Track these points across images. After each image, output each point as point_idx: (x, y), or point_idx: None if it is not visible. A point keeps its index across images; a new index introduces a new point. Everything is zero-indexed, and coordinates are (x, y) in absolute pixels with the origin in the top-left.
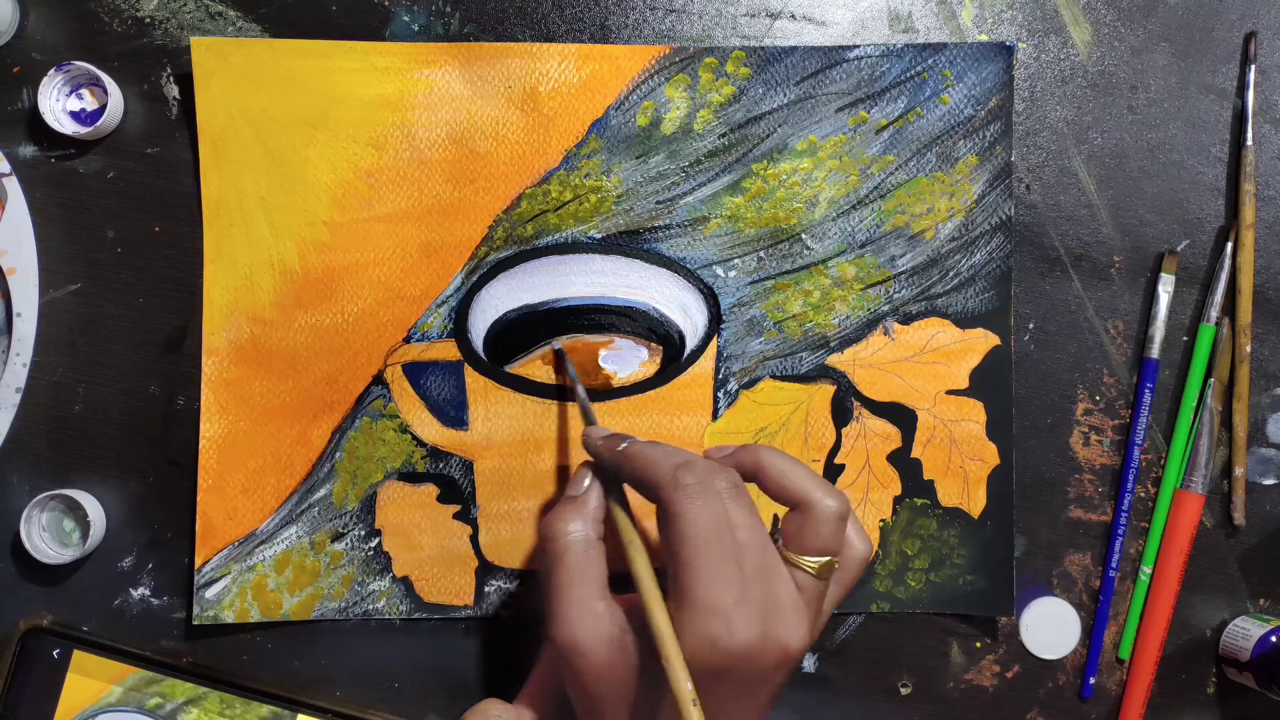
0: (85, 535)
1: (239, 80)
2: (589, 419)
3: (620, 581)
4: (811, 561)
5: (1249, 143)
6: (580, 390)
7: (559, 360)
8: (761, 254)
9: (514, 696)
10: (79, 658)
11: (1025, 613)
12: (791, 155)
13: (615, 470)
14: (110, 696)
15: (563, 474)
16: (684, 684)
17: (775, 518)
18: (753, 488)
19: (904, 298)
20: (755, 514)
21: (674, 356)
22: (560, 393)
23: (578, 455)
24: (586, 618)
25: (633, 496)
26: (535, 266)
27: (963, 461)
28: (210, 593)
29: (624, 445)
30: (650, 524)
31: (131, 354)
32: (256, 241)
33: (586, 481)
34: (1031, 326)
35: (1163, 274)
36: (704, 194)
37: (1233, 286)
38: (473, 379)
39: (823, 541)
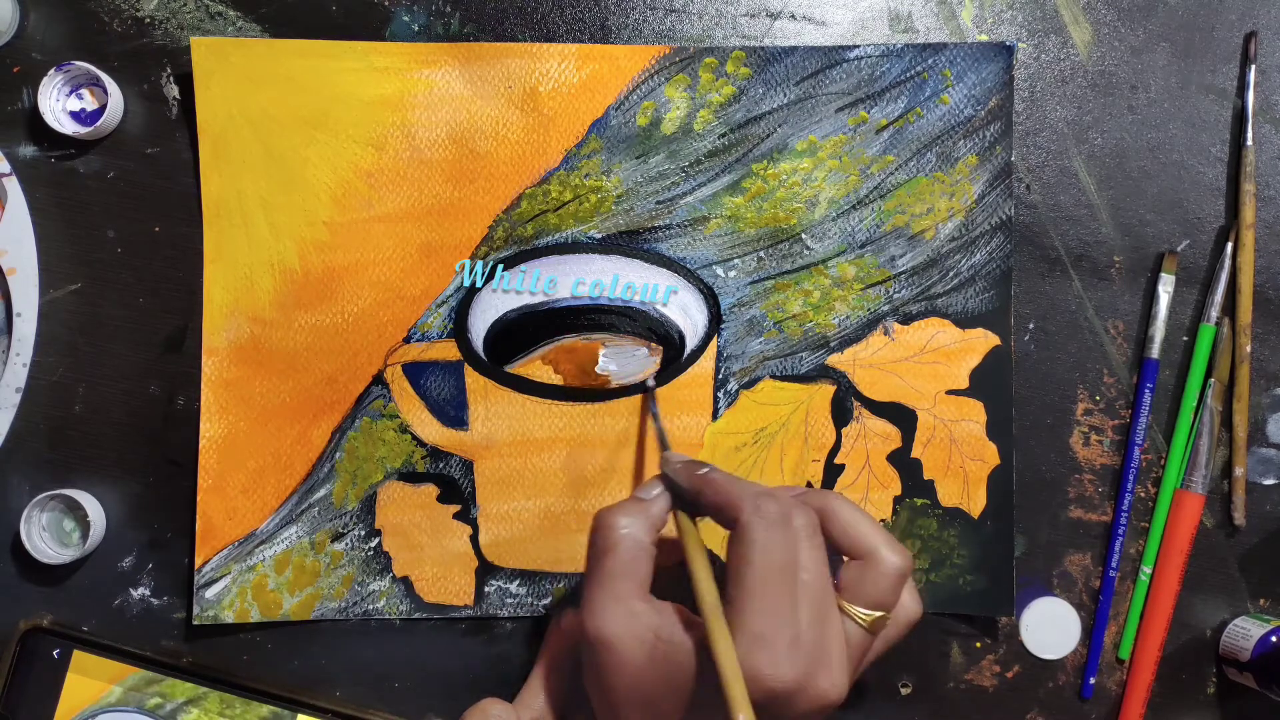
0: (85, 535)
1: (239, 80)
2: (665, 445)
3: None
4: (865, 614)
5: (1249, 143)
6: (658, 416)
7: (646, 398)
8: (761, 254)
9: (514, 696)
10: (79, 658)
11: (1025, 613)
12: (791, 155)
13: (693, 494)
14: (110, 696)
15: (563, 474)
16: (742, 715)
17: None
18: None
19: (904, 298)
20: (824, 558)
21: (674, 356)
22: (560, 393)
23: (578, 455)
24: (622, 614)
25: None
26: (535, 266)
27: (963, 461)
28: (210, 593)
29: (705, 471)
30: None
31: (131, 354)
32: (256, 241)
33: (657, 491)
34: (1031, 326)
35: (1163, 274)
36: (704, 194)
37: (1233, 286)
38: (473, 379)
39: (880, 596)
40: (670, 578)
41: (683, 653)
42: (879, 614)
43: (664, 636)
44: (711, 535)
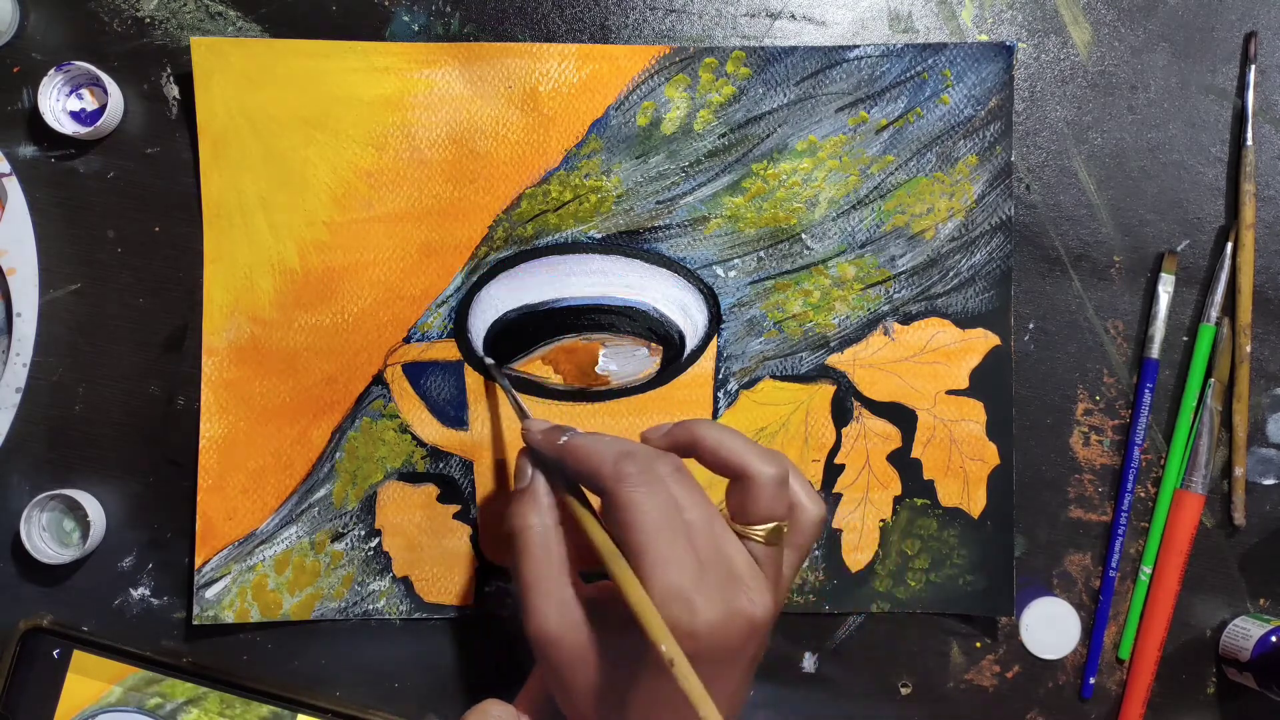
0: (85, 535)
1: (239, 80)
2: (524, 413)
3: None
4: (759, 530)
5: (1249, 143)
6: (509, 387)
7: (499, 379)
8: (761, 254)
9: (514, 696)
10: (79, 658)
11: (1025, 613)
12: (791, 155)
13: (558, 464)
14: (110, 696)
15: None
16: (662, 644)
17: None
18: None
19: (904, 298)
20: (701, 492)
21: (674, 356)
22: (561, 393)
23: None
24: (553, 608)
25: None
26: (535, 266)
27: (963, 461)
28: (210, 593)
29: (564, 439)
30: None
31: (131, 354)
32: (256, 241)
33: (530, 472)
34: (1031, 326)
35: (1163, 274)
36: (704, 194)
37: (1233, 286)
38: (473, 379)
39: (766, 508)
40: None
41: (620, 625)
42: (772, 525)
43: (598, 615)
44: None
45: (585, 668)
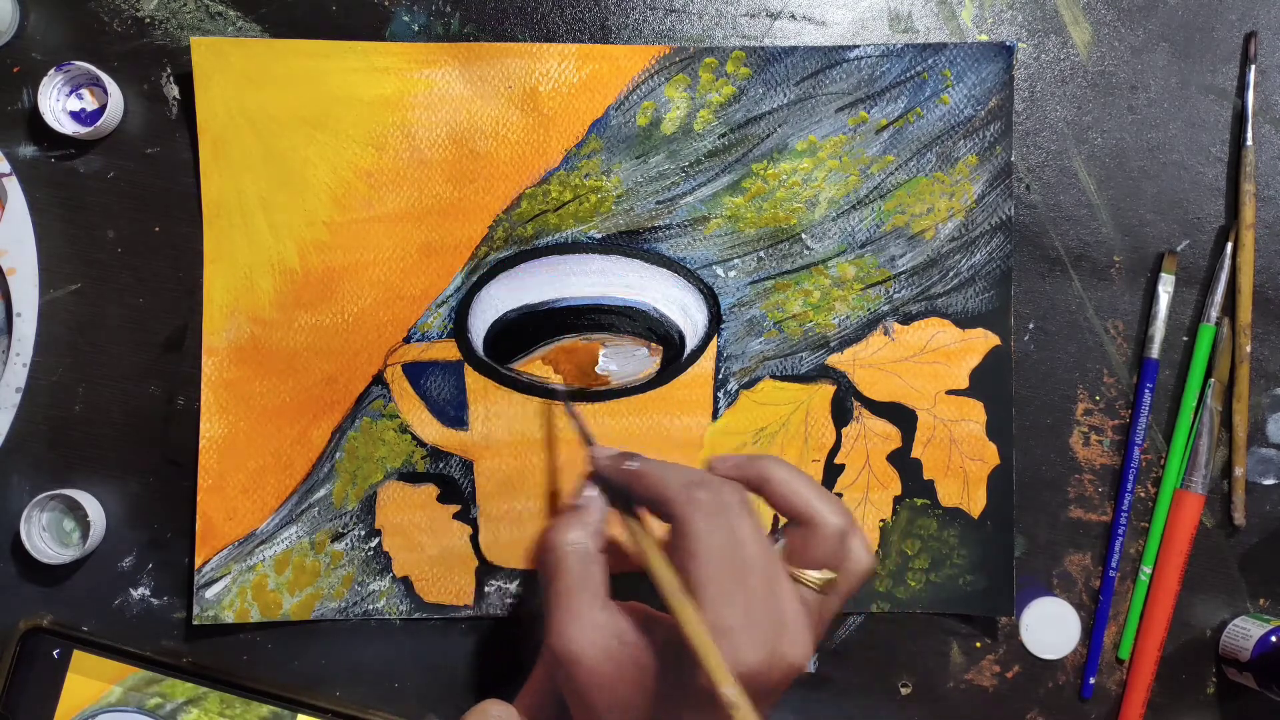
0: (85, 535)
1: (239, 80)
2: (590, 440)
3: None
4: (814, 576)
5: (1249, 143)
6: (576, 413)
7: (567, 407)
8: (761, 254)
9: (514, 697)
10: (79, 658)
11: (1025, 613)
12: (791, 155)
13: (625, 489)
14: (110, 696)
15: (563, 474)
16: (725, 687)
17: (775, 520)
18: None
19: (904, 298)
20: (761, 529)
21: (674, 356)
22: (561, 393)
23: (578, 455)
24: (585, 629)
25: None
26: (535, 266)
27: (963, 461)
28: (210, 593)
29: (633, 464)
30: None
31: (131, 354)
32: (256, 241)
33: (591, 494)
34: (1031, 326)
35: (1163, 274)
36: (704, 194)
37: (1233, 286)
38: (473, 379)
39: (824, 557)
40: (629, 580)
41: (647, 654)
42: (828, 575)
43: (628, 640)
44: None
45: (609, 690)
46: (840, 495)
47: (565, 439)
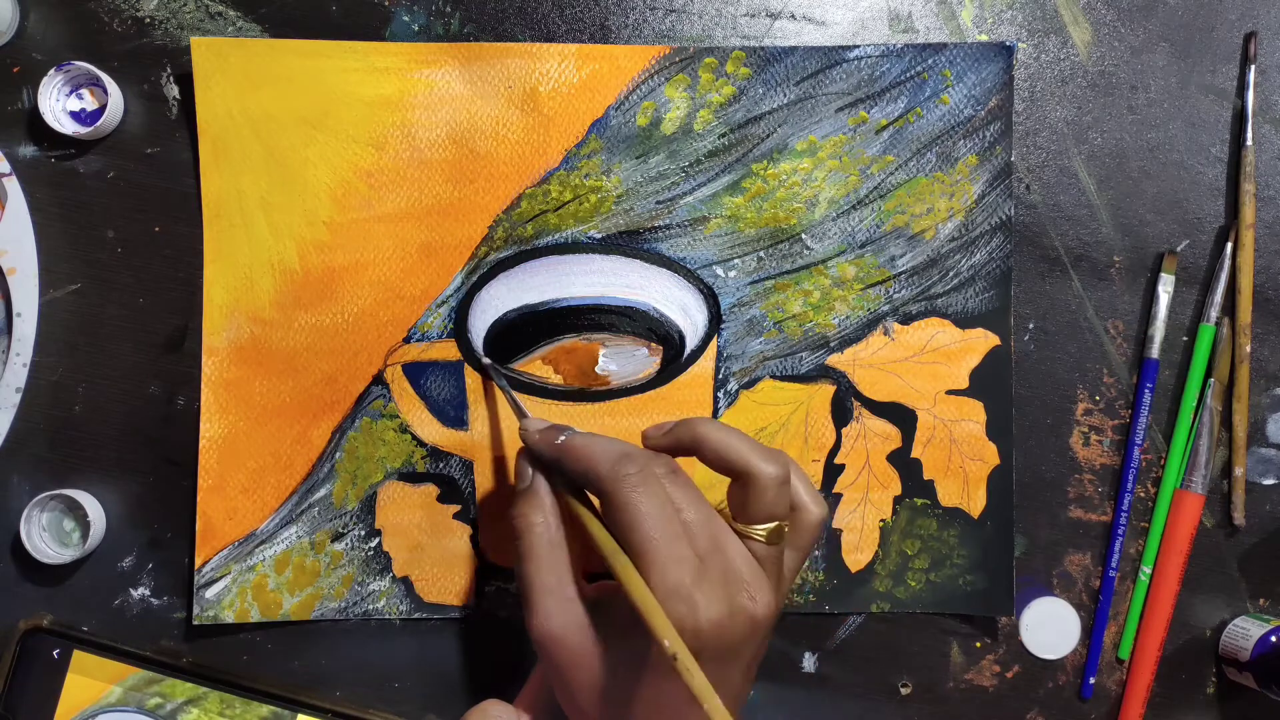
0: (85, 535)
1: (239, 80)
2: (521, 413)
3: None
4: (760, 530)
5: (1249, 143)
6: (506, 387)
7: (490, 373)
8: (761, 254)
9: (514, 697)
10: (79, 658)
11: (1025, 613)
12: (791, 155)
13: (556, 463)
14: (110, 696)
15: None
16: (665, 639)
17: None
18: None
19: (904, 298)
20: (697, 492)
21: (674, 356)
22: (561, 393)
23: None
24: (557, 607)
25: None
26: (535, 266)
27: (963, 461)
28: (210, 593)
29: (562, 438)
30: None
31: (131, 354)
32: (256, 241)
33: (530, 472)
34: (1031, 326)
35: (1163, 274)
36: (704, 194)
37: (1233, 286)
38: (473, 379)
39: (767, 507)
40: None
41: (622, 627)
42: (774, 524)
43: (606, 614)
44: None
45: (588, 667)
46: (840, 495)
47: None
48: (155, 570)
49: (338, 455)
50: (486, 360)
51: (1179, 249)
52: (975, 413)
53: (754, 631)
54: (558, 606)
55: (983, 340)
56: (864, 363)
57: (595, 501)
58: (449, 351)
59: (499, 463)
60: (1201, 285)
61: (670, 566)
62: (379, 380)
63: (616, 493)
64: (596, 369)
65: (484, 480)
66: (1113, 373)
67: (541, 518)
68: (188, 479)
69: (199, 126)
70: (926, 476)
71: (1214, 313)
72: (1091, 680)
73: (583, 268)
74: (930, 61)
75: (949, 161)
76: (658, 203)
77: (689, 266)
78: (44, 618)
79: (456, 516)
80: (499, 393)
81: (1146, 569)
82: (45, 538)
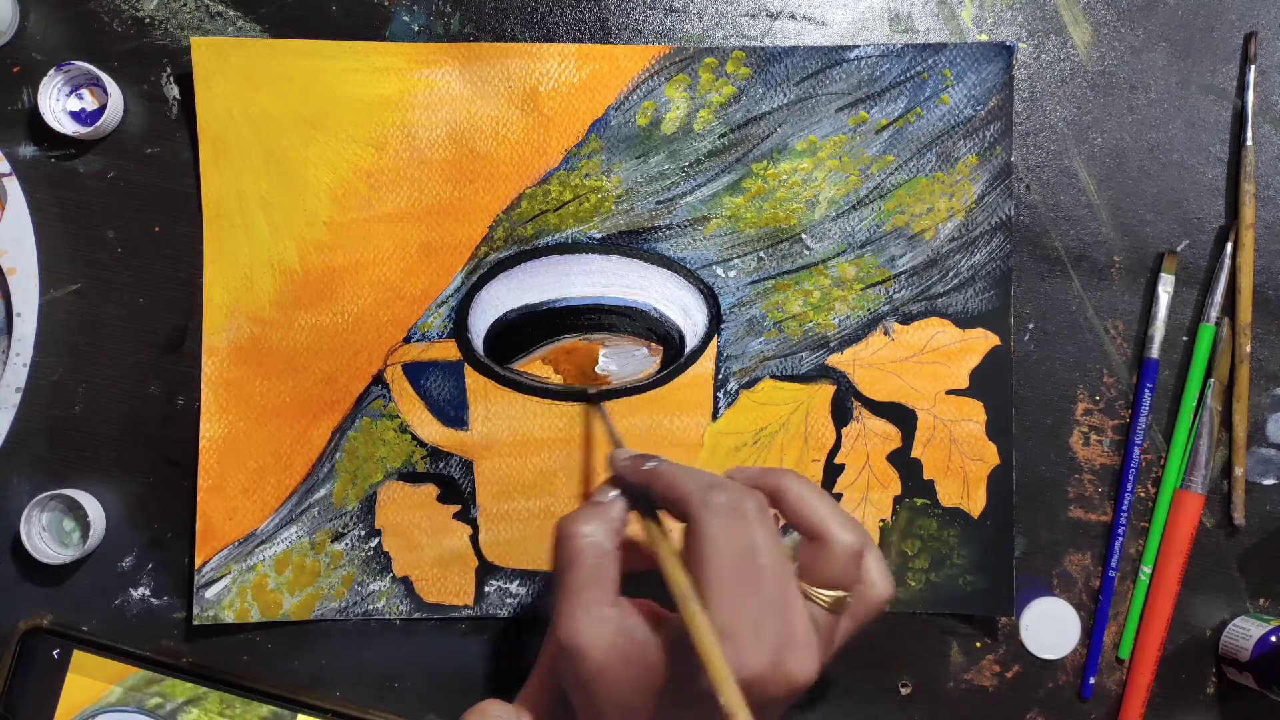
0: (85, 535)
1: (239, 80)
2: (616, 442)
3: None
4: (825, 595)
5: (1249, 143)
6: (607, 415)
7: (598, 408)
8: (761, 254)
9: (514, 696)
10: (79, 658)
11: (1025, 613)
12: (791, 155)
13: (643, 489)
14: (110, 696)
15: (562, 474)
16: (727, 695)
17: (791, 532)
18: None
19: (904, 298)
20: (778, 540)
21: (674, 356)
22: (561, 393)
23: (577, 456)
24: (593, 622)
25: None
26: (535, 266)
27: (963, 461)
28: (210, 593)
29: (652, 464)
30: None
31: (131, 354)
32: (256, 241)
33: (612, 494)
34: (1031, 326)
35: (1163, 274)
36: (704, 194)
37: (1233, 286)
38: (473, 379)
39: (836, 576)
40: (640, 577)
41: (653, 652)
42: (839, 594)
43: (635, 638)
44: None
45: (611, 686)
46: (840, 495)
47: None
48: (155, 570)
49: (338, 455)
50: (593, 390)
51: (1179, 249)
52: (975, 413)
53: (788, 695)
54: (589, 621)
55: (983, 340)
56: (864, 363)
57: (675, 544)
58: (449, 351)
59: (499, 463)
60: (1201, 285)
61: (730, 609)
62: (379, 380)
63: (701, 519)
64: (596, 369)
65: (484, 480)
66: (1113, 373)
67: (599, 529)
68: (188, 479)
69: (199, 126)
70: (926, 476)
71: (1214, 313)
72: (1091, 680)
73: (583, 268)
74: (930, 61)
75: (949, 161)
76: (658, 203)
77: (689, 266)
78: (44, 618)
79: (456, 516)
80: (498, 390)
81: (1146, 569)
82: (45, 538)
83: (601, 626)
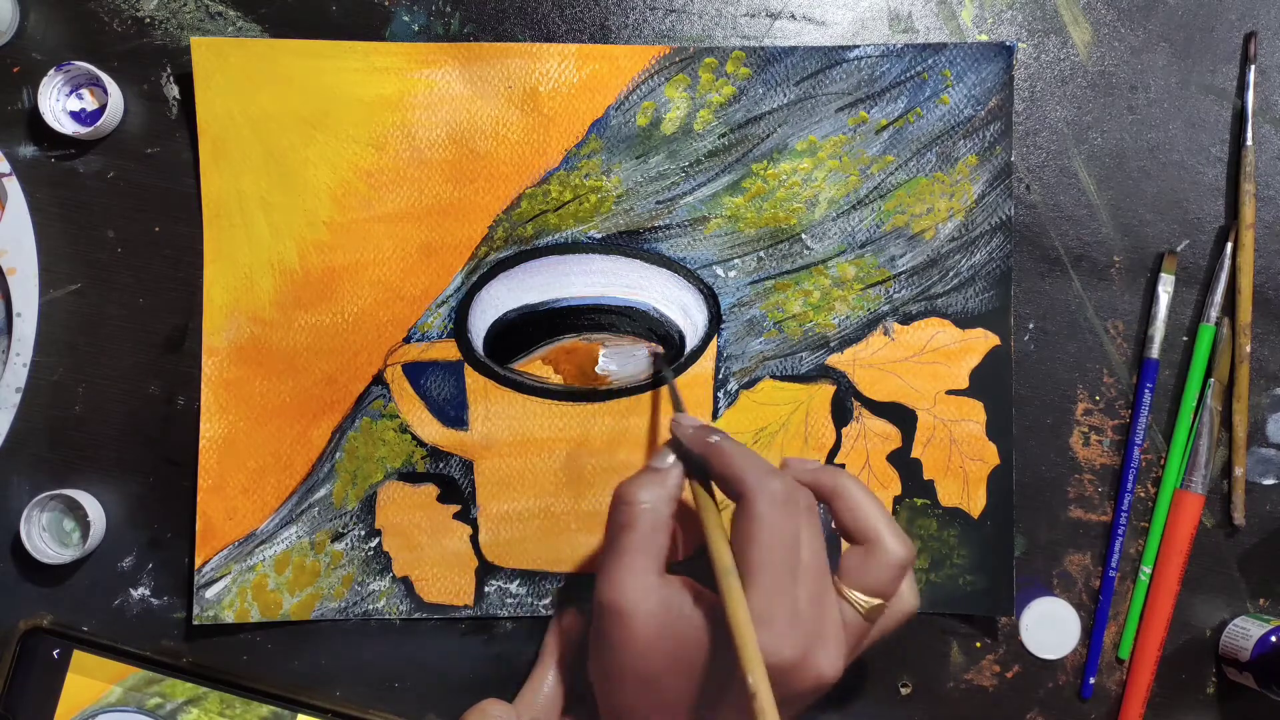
0: (85, 535)
1: (239, 80)
2: (679, 406)
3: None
4: (864, 600)
5: (1249, 143)
6: (672, 379)
7: (665, 374)
8: (761, 254)
9: (514, 696)
10: (79, 658)
11: (1025, 613)
12: (791, 155)
13: (702, 461)
14: (110, 696)
15: (563, 474)
16: (750, 674)
17: (836, 539)
18: None
19: (904, 298)
20: (823, 541)
21: (674, 356)
22: (561, 393)
23: (577, 455)
24: (638, 587)
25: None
26: (535, 266)
27: (963, 461)
28: (210, 593)
29: (715, 439)
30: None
31: (131, 354)
32: (256, 241)
33: (671, 459)
34: (1031, 326)
35: (1163, 274)
36: (704, 194)
37: (1233, 286)
38: (473, 379)
39: (880, 583)
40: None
41: (692, 626)
42: (877, 601)
43: (675, 611)
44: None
45: (642, 654)
46: None
47: (571, 437)
48: (155, 570)
49: (338, 455)
50: (659, 352)
51: (1179, 249)
52: (975, 413)
53: (811, 689)
54: (635, 586)
55: (983, 340)
56: (864, 363)
57: (725, 522)
58: (449, 351)
59: (499, 463)
60: (1201, 285)
61: (770, 595)
62: (379, 380)
63: (755, 502)
64: (596, 369)
65: (484, 480)
66: (1113, 373)
67: (659, 498)
68: (188, 479)
69: (199, 126)
70: (926, 476)
71: (1214, 313)
72: (1091, 680)
73: (583, 268)
74: (930, 61)
75: (949, 161)
76: (658, 203)
77: (689, 266)
78: (44, 618)
79: (456, 516)
80: (498, 390)
81: (1146, 569)
82: (45, 538)
83: (646, 593)
